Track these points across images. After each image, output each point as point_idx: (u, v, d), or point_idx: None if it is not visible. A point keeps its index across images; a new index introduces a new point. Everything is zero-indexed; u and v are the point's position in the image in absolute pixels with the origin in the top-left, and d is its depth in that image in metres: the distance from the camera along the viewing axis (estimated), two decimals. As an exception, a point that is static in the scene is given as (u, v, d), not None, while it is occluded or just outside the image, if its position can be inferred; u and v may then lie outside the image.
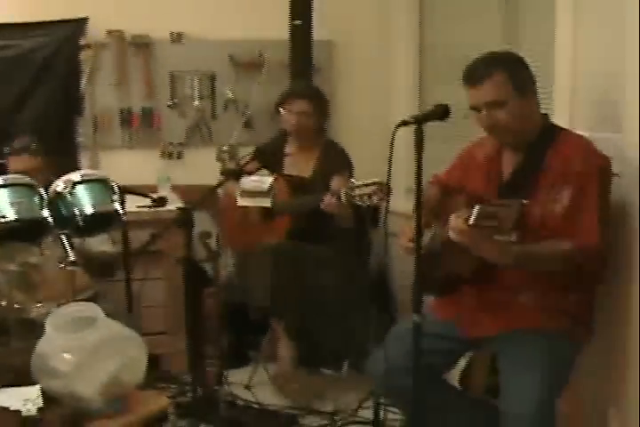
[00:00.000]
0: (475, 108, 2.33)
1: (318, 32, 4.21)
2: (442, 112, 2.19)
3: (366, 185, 3.03)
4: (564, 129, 2.38)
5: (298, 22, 4.14)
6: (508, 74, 2.27)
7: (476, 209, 2.06)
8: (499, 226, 2.06)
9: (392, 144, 2.10)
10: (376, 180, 3.00)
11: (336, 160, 3.66)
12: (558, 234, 2.22)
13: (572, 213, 2.22)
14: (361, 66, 4.51)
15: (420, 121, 2.13)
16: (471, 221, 2.07)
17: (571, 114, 2.64)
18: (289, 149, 3.79)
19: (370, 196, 3.00)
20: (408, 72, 4.33)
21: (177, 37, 4.32)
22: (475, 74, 2.31)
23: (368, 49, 4.47)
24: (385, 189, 2.94)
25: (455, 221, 2.16)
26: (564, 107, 2.67)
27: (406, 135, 2.10)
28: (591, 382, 2.51)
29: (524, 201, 2.13)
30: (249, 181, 3.52)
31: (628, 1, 2.28)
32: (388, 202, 2.25)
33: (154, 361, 2.35)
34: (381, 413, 2.95)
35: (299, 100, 3.65)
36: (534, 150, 2.33)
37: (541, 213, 2.25)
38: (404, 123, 2.14)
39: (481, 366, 2.59)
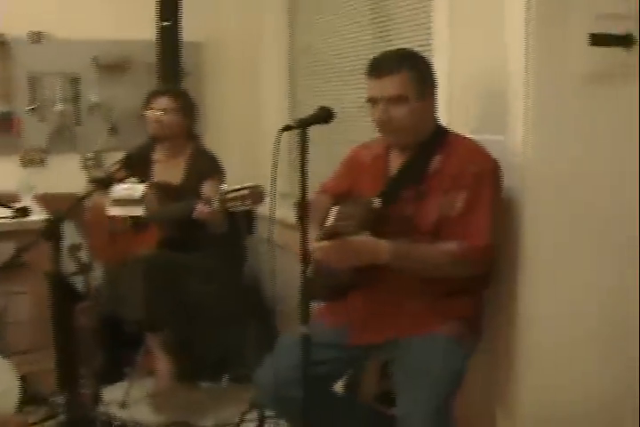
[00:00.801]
0: (372, 101, 2.27)
1: (187, 33, 4.10)
2: (326, 115, 2.15)
3: (239, 190, 2.95)
4: (455, 132, 2.36)
5: (166, 23, 4.02)
6: (414, 73, 2.24)
7: (333, 211, 2.07)
8: (352, 225, 2.07)
9: (276, 149, 2.04)
10: (249, 184, 2.93)
11: (206, 166, 3.57)
12: (451, 237, 2.20)
13: (465, 216, 2.20)
14: (231, 68, 4.43)
15: (304, 125, 2.08)
16: (329, 222, 2.06)
17: (448, 116, 2.63)
18: (157, 155, 3.67)
19: (243, 201, 2.92)
20: (279, 75, 4.27)
21: (36, 37, 4.10)
22: (382, 65, 2.26)
23: (238, 51, 4.39)
24: (259, 193, 2.88)
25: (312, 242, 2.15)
26: (441, 109, 2.66)
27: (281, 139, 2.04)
28: (477, 383, 2.51)
29: (375, 200, 2.16)
30: (120, 190, 3.37)
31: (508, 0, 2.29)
32: (273, 211, 2.17)
33: (21, 382, 2.17)
34: (266, 425, 2.88)
35: (160, 98, 3.55)
36: (423, 151, 2.30)
37: (436, 217, 2.23)
38: (289, 127, 2.09)
39: (371, 374, 2.55)
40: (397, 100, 2.22)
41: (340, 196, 2.47)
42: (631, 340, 2.46)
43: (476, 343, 2.37)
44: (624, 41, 2.25)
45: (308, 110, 2.24)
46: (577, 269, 2.35)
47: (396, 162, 2.37)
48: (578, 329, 2.37)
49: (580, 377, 2.39)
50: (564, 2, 2.20)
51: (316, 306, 2.40)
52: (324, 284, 2.33)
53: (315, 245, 2.17)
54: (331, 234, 2.14)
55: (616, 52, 2.24)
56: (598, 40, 2.22)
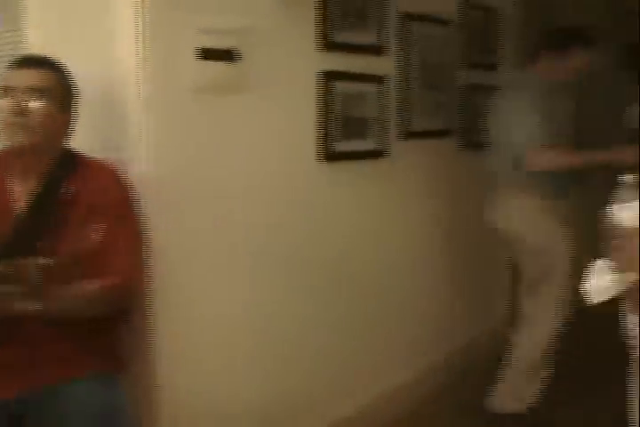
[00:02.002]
0: (6, 90, 1.99)
1: None
2: None
3: None
4: (84, 154, 2.15)
5: None
6: (62, 78, 2.05)
7: None
8: (18, 291, 1.72)
9: None
10: None
11: None
12: (92, 274, 1.97)
13: (108, 249, 2.00)
14: None
15: None
16: None
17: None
18: None
19: None
20: None
21: None
22: (31, 60, 2.05)
23: None
24: None
25: None
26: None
27: None
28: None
29: (43, 260, 1.77)
30: None
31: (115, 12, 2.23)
32: None
33: None
34: None
35: None
36: (53, 179, 2.05)
37: (75, 252, 1.97)
38: None
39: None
40: (39, 91, 1.98)
41: None
42: (273, 350, 2.61)
43: (124, 373, 2.21)
44: (228, 56, 2.34)
45: None
46: (211, 282, 2.40)
47: (19, 189, 2.06)
48: (218, 342, 2.44)
49: (226, 387, 2.47)
50: (175, 15, 2.20)
51: None
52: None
53: None
54: None
55: (223, 66, 2.32)
56: (205, 54, 2.27)
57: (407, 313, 3.37)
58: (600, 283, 1.64)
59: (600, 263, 1.64)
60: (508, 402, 3.20)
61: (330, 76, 2.74)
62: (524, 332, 3.22)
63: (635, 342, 1.70)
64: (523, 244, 3.20)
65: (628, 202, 1.59)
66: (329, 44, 2.73)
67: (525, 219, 3.18)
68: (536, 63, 3.23)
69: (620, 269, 1.58)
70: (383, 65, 3.06)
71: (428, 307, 3.54)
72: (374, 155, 3.05)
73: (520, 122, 3.05)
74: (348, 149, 2.89)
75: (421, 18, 3.25)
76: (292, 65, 2.62)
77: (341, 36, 2.78)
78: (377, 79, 3.01)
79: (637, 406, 1.75)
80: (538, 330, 3.17)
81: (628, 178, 1.62)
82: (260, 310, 2.58)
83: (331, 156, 2.80)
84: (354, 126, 2.90)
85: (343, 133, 2.84)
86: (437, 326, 3.62)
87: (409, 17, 3.16)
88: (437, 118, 3.48)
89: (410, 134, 3.25)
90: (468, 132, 3.69)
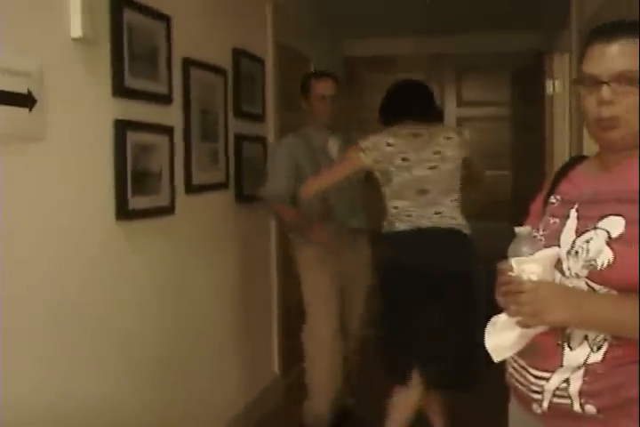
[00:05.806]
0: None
1: None
2: None
3: None
4: None
5: None
6: None
7: None
8: None
9: None
10: None
11: None
12: None
13: None
14: None
15: None
16: None
17: None
18: None
19: None
20: None
21: None
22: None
23: None
24: None
25: None
26: None
27: None
28: None
29: None
30: None
31: None
32: None
33: None
34: None
35: None
36: None
37: None
38: None
39: None
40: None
41: None
42: None
43: None
44: (23, 100, 1.97)
45: None
46: None
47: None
48: None
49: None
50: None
51: None
52: None
53: None
54: None
55: (16, 112, 1.95)
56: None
57: (203, 371, 3.16)
58: (504, 339, 1.57)
59: (501, 319, 1.56)
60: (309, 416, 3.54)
61: (125, 126, 2.45)
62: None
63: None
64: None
65: (525, 254, 1.54)
66: (124, 90, 2.44)
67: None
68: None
69: (525, 324, 1.51)
70: (171, 114, 2.82)
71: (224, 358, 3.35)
72: (165, 211, 2.78)
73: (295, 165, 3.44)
74: (142, 206, 2.59)
75: (200, 65, 3.06)
76: (88, 112, 2.29)
77: (135, 82, 2.51)
78: (167, 130, 2.76)
79: None
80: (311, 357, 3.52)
81: (523, 230, 1.57)
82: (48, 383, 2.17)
83: (126, 214, 2.49)
84: (146, 181, 2.61)
85: (135, 189, 2.53)
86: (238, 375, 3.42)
87: (190, 63, 2.96)
88: (215, 170, 3.28)
89: (194, 188, 3.02)
90: (240, 184, 3.55)
